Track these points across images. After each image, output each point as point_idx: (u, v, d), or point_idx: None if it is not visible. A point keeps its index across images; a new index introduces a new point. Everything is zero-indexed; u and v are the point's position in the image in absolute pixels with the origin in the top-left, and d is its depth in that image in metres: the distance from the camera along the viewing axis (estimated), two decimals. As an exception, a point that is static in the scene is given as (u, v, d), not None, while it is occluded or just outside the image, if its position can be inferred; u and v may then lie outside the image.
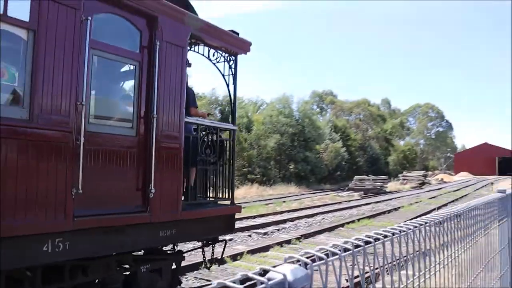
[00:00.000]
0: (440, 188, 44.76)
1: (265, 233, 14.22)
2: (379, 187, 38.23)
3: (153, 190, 5.05)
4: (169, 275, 5.89)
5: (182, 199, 5.65)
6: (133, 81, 5.23)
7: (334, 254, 1.25)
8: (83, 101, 4.31)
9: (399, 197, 32.46)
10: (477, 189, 42.92)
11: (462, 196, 32.67)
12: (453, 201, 28.43)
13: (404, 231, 1.74)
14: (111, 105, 5.41)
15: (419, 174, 60.03)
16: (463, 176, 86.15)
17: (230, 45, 6.68)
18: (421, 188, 46.43)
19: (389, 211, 22.00)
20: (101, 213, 4.57)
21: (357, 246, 1.37)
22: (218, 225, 6.28)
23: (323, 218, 18.69)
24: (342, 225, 16.39)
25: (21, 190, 3.84)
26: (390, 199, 29.82)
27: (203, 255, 6.48)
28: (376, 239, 1.51)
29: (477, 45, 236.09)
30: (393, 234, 1.64)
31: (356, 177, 42.48)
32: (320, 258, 1.20)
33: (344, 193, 34.90)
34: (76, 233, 4.28)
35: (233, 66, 6.83)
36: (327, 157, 53.59)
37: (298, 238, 12.83)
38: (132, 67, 5.24)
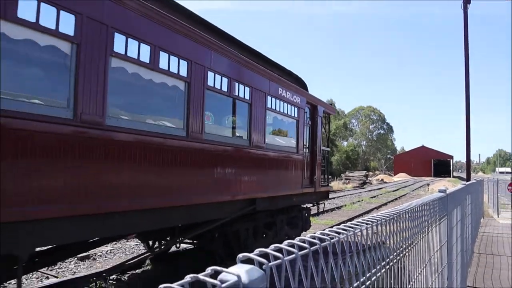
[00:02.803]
0: (381, 188, 47.47)
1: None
2: (322, 186, 39.10)
3: (316, 178, 12.03)
4: (309, 216, 12.99)
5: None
6: (308, 132, 12.05)
7: (289, 252, 1.19)
8: (306, 144, 11.68)
9: (342, 196, 33.38)
10: (415, 189, 46.23)
11: (401, 196, 35.70)
12: (392, 200, 30.82)
13: (357, 228, 1.73)
14: (304, 142, 11.81)
15: (361, 174, 63.31)
16: (402, 176, 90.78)
17: (330, 111, 13.91)
18: (363, 188, 48.88)
19: (332, 210, 22.77)
20: (304, 187, 11.35)
21: (312, 244, 1.32)
22: (324, 196, 13.27)
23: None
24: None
25: (286, 178, 10.39)
26: (333, 198, 30.05)
27: (317, 209, 14.05)
28: (331, 237, 1.49)
29: (417, 51, 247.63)
30: (347, 231, 1.62)
31: (301, 175, 43.38)
32: (276, 257, 1.12)
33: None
34: (299, 195, 11.15)
35: (328, 120, 14.15)
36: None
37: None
38: (308, 127, 12.01)
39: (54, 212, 4.53)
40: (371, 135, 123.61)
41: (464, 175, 56.14)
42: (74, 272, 9.17)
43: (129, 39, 5.54)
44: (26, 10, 4.26)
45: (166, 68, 6.24)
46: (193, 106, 6.80)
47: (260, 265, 1.02)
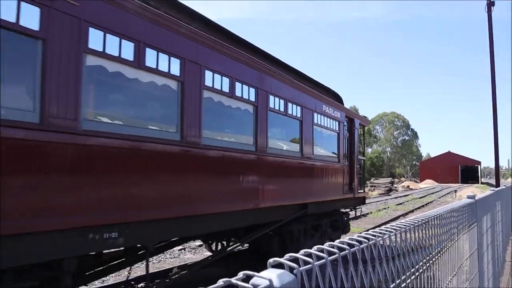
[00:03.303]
0: (407, 195, 46.94)
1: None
2: (348, 193, 39.34)
3: (354, 184, 13.23)
4: (348, 220, 14.00)
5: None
6: (347, 143, 13.21)
7: (319, 257, 1.20)
8: (345, 154, 13.00)
9: (367, 203, 31.69)
10: (442, 196, 45.84)
11: (428, 203, 35.19)
12: (419, 207, 30.57)
13: (386, 233, 1.75)
14: (344, 152, 13.02)
15: (386, 181, 62.76)
16: (429, 183, 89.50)
17: (365, 122, 15.28)
18: (389, 195, 48.69)
19: (358, 217, 22.39)
20: (345, 192, 12.62)
21: (341, 249, 1.35)
22: (361, 201, 14.47)
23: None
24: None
25: (330, 184, 11.70)
26: (359, 205, 30.59)
27: (355, 213, 15.76)
28: (360, 242, 1.51)
29: (442, 55, 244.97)
30: (375, 237, 1.63)
31: (326, 183, 43.85)
32: (306, 262, 1.14)
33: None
34: (341, 200, 12.41)
35: (363, 131, 15.39)
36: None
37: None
38: (346, 138, 13.16)
39: (174, 213, 5.86)
40: (396, 142, 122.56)
41: (492, 181, 55.31)
42: (104, 281, 9.14)
43: (215, 74, 6.86)
44: (149, 59, 5.59)
45: (240, 96, 7.60)
46: (260, 124, 8.16)
47: (291, 269, 1.04)
